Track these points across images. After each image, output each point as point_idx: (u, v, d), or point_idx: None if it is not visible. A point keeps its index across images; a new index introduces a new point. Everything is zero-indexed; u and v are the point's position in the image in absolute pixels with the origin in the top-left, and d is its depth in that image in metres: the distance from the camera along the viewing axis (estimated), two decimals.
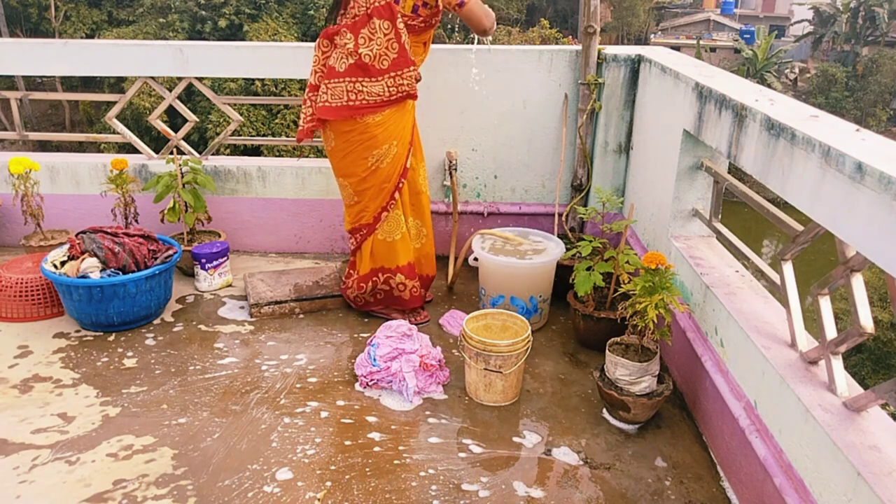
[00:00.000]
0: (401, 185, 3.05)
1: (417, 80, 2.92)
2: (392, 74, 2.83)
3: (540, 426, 2.55)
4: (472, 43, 3.47)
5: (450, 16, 3.14)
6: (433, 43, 3.20)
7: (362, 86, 2.83)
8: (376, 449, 2.40)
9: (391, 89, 2.85)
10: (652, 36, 33.77)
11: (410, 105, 3.00)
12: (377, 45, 2.81)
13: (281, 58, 3.79)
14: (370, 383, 2.72)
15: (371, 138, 2.90)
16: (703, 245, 2.81)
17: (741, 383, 2.21)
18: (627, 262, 2.80)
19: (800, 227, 2.03)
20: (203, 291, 3.54)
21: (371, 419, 2.56)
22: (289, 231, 4.02)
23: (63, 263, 3.18)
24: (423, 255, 3.29)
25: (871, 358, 13.55)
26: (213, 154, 4.07)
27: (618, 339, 2.61)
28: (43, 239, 3.69)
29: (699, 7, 37.80)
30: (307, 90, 3.02)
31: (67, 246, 3.22)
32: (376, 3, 2.79)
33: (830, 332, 1.87)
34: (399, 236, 3.11)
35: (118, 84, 18.20)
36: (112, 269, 3.12)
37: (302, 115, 3.06)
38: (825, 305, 1.91)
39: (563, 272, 3.24)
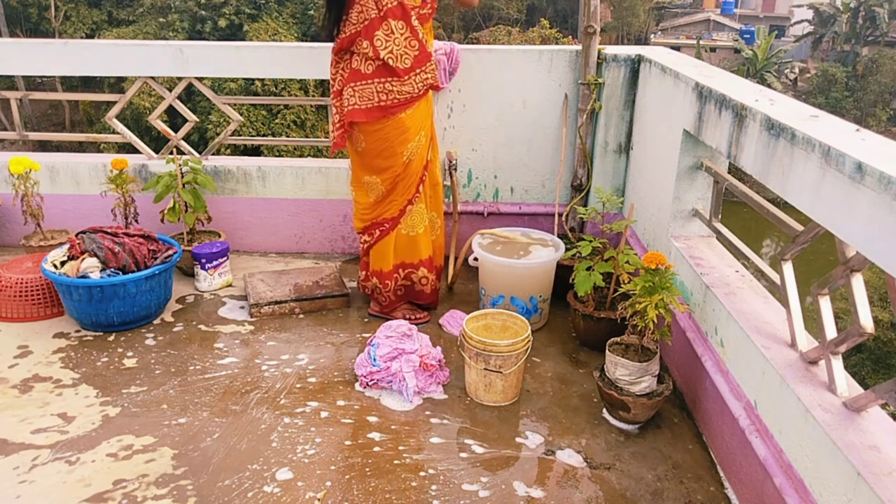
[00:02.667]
0: (424, 176, 3.09)
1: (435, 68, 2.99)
2: (417, 71, 2.88)
3: (540, 426, 2.55)
4: (472, 43, 3.48)
5: (450, 14, 3.15)
6: (435, 40, 3.21)
7: (392, 86, 2.86)
8: (376, 449, 2.40)
9: (419, 85, 2.90)
10: (652, 36, 33.77)
11: (431, 96, 3.06)
12: (396, 46, 2.82)
13: (281, 58, 3.79)
14: (370, 383, 2.72)
15: (404, 132, 2.94)
16: (703, 245, 2.81)
17: (741, 383, 2.21)
18: (627, 262, 2.80)
19: (800, 227, 2.03)
20: (203, 291, 3.54)
21: (371, 419, 2.56)
22: (289, 231, 4.02)
23: (63, 263, 3.18)
24: (437, 246, 3.32)
25: (871, 358, 13.55)
26: (213, 154, 4.07)
27: (618, 339, 2.61)
28: (43, 239, 3.69)
29: (699, 7, 37.80)
30: (332, 97, 3.03)
31: (67, 246, 3.22)
32: (389, 5, 2.79)
33: (830, 332, 1.87)
34: (422, 230, 3.14)
35: (118, 84, 18.20)
36: (112, 269, 3.12)
37: (331, 124, 3.10)
38: (825, 305, 1.91)
39: (563, 272, 3.24)
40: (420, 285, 3.21)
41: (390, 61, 2.81)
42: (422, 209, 3.13)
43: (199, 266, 3.50)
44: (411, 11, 2.82)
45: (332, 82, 3.02)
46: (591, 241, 2.95)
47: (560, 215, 3.72)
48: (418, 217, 3.12)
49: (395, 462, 2.33)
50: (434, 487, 2.22)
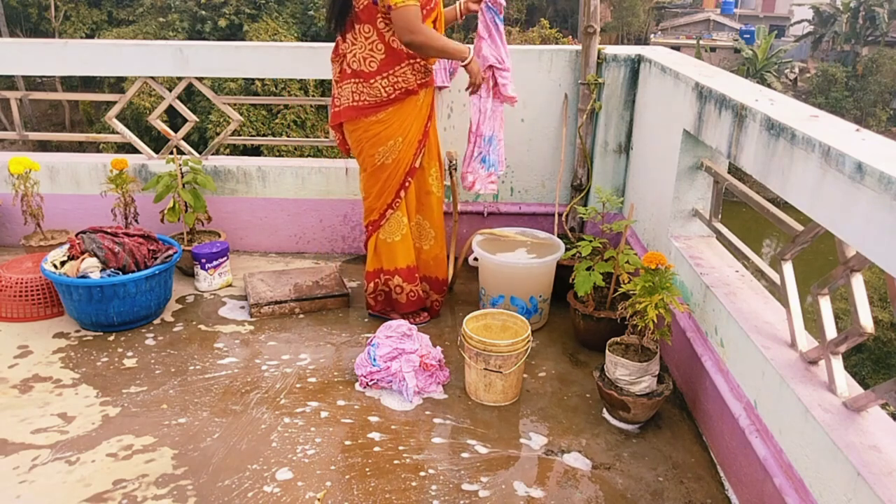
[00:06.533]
0: (407, 183, 3.03)
1: (423, 72, 2.89)
2: (384, 75, 2.83)
3: (540, 426, 2.55)
4: (473, 43, 3.47)
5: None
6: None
7: (362, 87, 2.86)
8: (376, 449, 2.40)
9: (387, 89, 2.85)
10: (652, 36, 33.75)
11: (417, 102, 2.93)
12: (359, 49, 2.83)
13: (281, 58, 3.79)
14: (370, 383, 2.72)
15: (375, 136, 2.92)
16: (703, 245, 2.81)
17: (741, 383, 2.21)
18: (627, 262, 2.80)
19: (800, 227, 2.03)
20: (203, 291, 3.54)
21: (371, 419, 2.56)
22: (289, 231, 4.02)
23: (63, 263, 3.18)
24: (431, 258, 3.24)
25: (871, 358, 13.56)
26: (213, 154, 4.07)
27: (618, 339, 2.61)
28: (43, 239, 3.69)
29: (699, 7, 37.78)
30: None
31: (67, 246, 3.22)
32: (357, 9, 2.78)
33: (830, 332, 1.87)
34: (399, 238, 3.08)
35: (118, 84, 18.20)
36: (112, 269, 3.12)
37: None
38: (825, 305, 1.91)
39: (563, 272, 3.24)
40: (395, 293, 3.18)
41: (354, 65, 2.84)
42: (400, 217, 3.06)
43: (199, 266, 3.50)
44: (378, 15, 2.75)
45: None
46: (591, 241, 2.95)
47: (560, 215, 3.72)
48: (396, 225, 3.07)
49: (395, 462, 2.33)
50: (434, 487, 2.22)
